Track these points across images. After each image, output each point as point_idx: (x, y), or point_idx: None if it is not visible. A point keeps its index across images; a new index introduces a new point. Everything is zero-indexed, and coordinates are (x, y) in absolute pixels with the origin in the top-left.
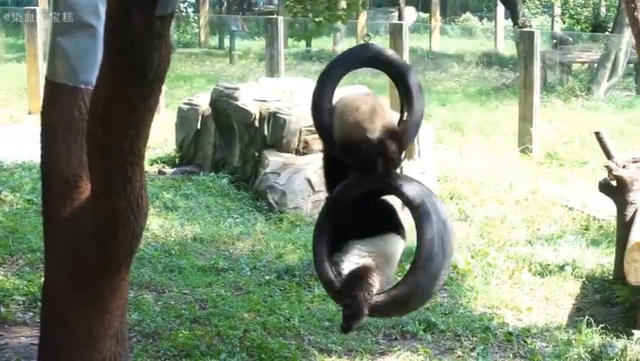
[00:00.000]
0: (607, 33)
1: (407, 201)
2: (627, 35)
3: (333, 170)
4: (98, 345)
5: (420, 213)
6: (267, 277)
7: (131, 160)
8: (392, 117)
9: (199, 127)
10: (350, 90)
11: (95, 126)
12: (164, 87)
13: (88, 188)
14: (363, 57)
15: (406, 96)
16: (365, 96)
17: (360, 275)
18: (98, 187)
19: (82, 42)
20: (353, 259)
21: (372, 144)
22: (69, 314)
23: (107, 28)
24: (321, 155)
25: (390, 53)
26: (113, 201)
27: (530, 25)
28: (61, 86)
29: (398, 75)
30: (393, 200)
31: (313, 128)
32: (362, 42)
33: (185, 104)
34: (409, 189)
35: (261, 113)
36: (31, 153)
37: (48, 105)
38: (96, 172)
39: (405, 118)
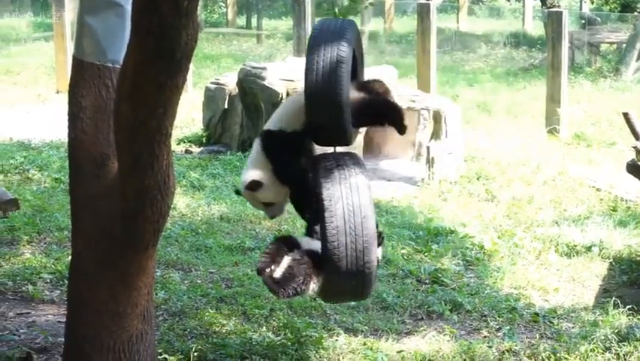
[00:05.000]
0: (636, 13)
1: None
2: None
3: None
4: (124, 323)
5: None
6: None
7: (159, 139)
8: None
9: (226, 106)
10: None
11: (122, 105)
12: (191, 66)
13: (115, 166)
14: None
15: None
16: None
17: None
18: (125, 166)
19: (109, 21)
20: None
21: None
22: (96, 292)
23: (134, 7)
24: None
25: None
26: (140, 180)
27: (559, 6)
28: (88, 65)
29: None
30: None
31: None
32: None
33: (212, 83)
34: None
35: (287, 93)
36: (59, 131)
37: (75, 84)
38: (123, 151)
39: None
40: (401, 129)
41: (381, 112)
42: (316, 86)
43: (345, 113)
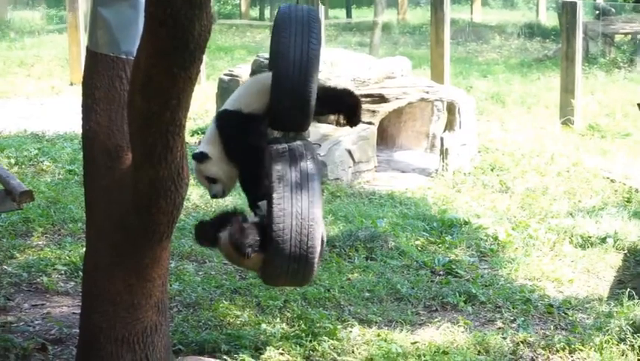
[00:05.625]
0: None
1: None
2: None
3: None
4: (139, 314)
5: None
6: None
7: (172, 130)
8: None
9: None
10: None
11: (136, 96)
12: (205, 58)
13: (129, 158)
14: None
15: None
16: None
17: None
18: (139, 157)
19: (123, 12)
20: None
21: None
22: (110, 284)
23: None
24: (359, 126)
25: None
26: (154, 171)
27: None
28: (102, 57)
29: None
30: None
31: None
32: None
33: (225, 75)
34: None
35: None
36: (73, 123)
37: (89, 76)
38: (137, 142)
39: None
40: (355, 122)
41: (343, 102)
42: (287, 73)
43: (312, 100)
